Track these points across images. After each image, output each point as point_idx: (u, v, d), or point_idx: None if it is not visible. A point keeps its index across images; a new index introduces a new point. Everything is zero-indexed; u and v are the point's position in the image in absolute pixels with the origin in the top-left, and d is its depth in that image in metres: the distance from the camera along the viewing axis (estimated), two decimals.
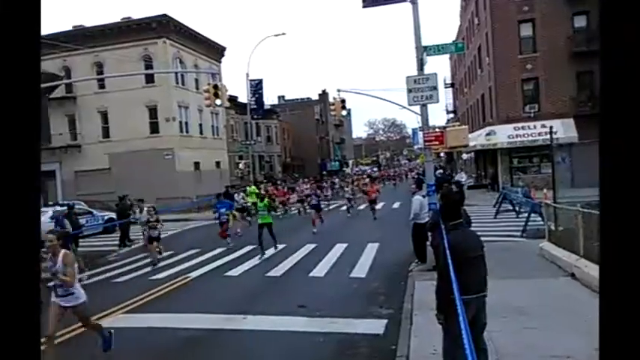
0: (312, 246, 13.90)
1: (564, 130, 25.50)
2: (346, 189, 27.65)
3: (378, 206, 26.94)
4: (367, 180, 32.09)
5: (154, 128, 32.09)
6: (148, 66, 31.16)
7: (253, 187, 23.60)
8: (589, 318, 6.11)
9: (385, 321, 6.98)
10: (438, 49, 10.02)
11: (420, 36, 9.85)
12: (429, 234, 7.99)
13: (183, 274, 11.23)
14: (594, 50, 25.56)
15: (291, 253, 12.96)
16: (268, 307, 8.01)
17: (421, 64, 9.77)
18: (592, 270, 7.37)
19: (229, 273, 11.10)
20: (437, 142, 9.62)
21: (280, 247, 13.96)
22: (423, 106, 9.90)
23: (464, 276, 3.61)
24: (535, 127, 26.86)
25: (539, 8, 27.28)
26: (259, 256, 12.62)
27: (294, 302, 8.17)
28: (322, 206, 20.92)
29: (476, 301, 3.94)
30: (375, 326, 6.78)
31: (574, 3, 26.39)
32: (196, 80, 35.46)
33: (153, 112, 32.10)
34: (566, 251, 8.84)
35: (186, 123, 33.90)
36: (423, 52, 9.74)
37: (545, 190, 19.20)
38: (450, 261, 3.66)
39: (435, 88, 9.62)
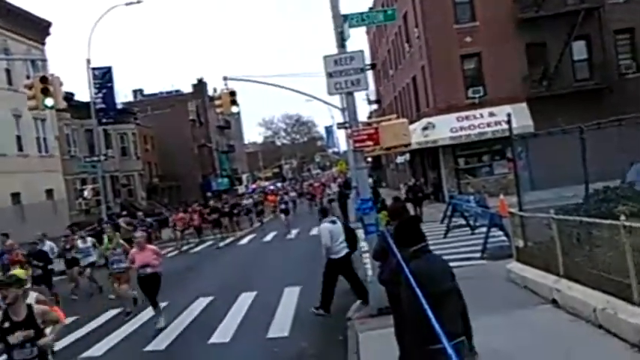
0: (207, 300, 13.68)
1: (517, 117, 27.69)
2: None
3: (291, 235, 27.02)
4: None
5: None
6: None
7: None
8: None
9: None
10: (362, 19, 10.47)
11: (337, 1, 10.19)
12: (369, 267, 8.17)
13: None
14: (546, 15, 28.28)
15: (179, 313, 12.68)
16: None
17: (342, 39, 10.11)
18: (578, 292, 7.99)
19: (89, 352, 10.51)
20: (371, 143, 9.92)
21: (162, 304, 13.48)
22: (349, 95, 10.22)
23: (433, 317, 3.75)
24: (482, 115, 28.99)
25: None
26: None
27: None
28: None
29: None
30: None
31: None
32: (7, 71, 33.38)
33: None
34: (542, 271, 9.55)
35: None
36: (344, 22, 10.07)
37: (501, 196, 20.58)
38: (422, 299, 3.79)
39: (363, 70, 10.01)
